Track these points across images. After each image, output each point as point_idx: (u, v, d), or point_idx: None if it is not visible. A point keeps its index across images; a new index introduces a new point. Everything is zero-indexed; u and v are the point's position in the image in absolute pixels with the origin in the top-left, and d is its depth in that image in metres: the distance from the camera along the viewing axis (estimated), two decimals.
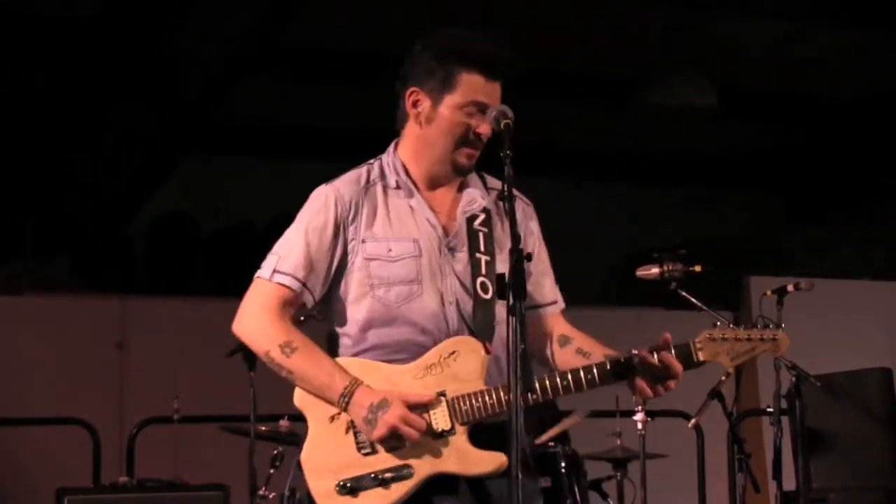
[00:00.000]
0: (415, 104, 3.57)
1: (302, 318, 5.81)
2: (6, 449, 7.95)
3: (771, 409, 5.75)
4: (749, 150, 12.19)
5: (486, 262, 3.49)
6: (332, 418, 3.44)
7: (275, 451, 6.00)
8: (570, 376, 3.41)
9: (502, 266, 3.39)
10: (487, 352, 3.40)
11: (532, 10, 8.78)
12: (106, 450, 7.54)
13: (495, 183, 3.63)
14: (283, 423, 5.96)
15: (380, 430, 3.35)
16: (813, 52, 10.12)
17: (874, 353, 8.36)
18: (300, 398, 3.49)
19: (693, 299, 5.03)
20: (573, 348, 3.61)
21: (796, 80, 10.64)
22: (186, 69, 8.83)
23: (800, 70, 10.41)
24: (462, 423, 3.38)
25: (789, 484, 5.99)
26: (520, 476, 3.07)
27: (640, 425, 5.92)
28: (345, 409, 3.41)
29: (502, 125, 3.38)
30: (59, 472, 7.30)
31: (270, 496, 5.88)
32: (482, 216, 3.55)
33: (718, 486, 7.78)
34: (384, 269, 3.47)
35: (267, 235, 12.21)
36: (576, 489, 5.71)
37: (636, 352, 3.39)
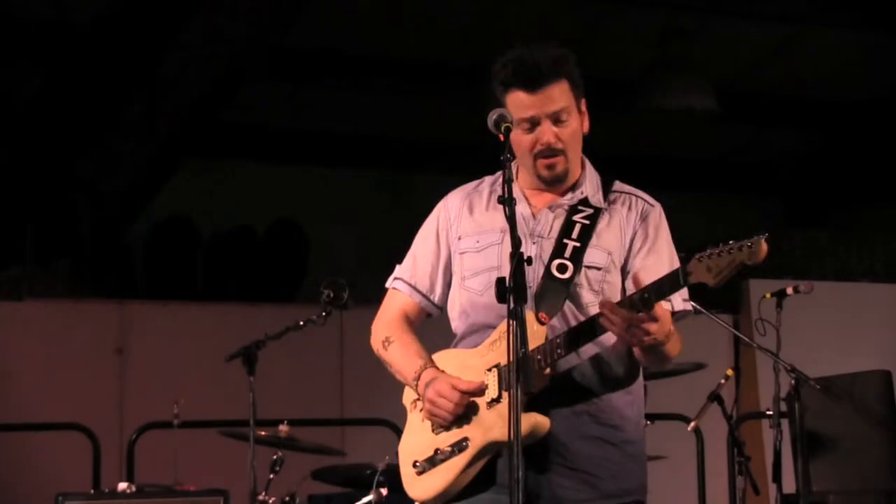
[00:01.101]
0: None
1: (301, 323, 5.87)
2: (6, 454, 7.95)
3: (770, 412, 5.74)
4: (748, 152, 12.20)
5: (574, 247, 3.57)
6: (415, 403, 3.67)
7: (274, 456, 6.00)
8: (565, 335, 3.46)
9: (593, 255, 3.54)
10: (541, 322, 3.46)
11: (530, 13, 8.79)
12: (106, 455, 7.54)
13: (622, 187, 3.76)
14: (283, 427, 5.96)
15: (425, 406, 3.56)
16: (812, 54, 10.13)
17: (873, 356, 8.37)
18: (404, 394, 3.74)
19: (692, 302, 5.02)
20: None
21: (795, 82, 10.65)
22: (186, 74, 8.83)
23: (799, 73, 10.42)
24: (506, 390, 3.42)
25: (789, 486, 5.99)
26: (520, 478, 3.09)
27: None
28: (418, 393, 3.60)
29: (502, 128, 3.43)
30: (58, 477, 7.30)
31: (270, 501, 5.88)
32: (588, 211, 3.64)
33: (718, 489, 7.77)
34: (472, 260, 3.67)
35: (266, 240, 12.26)
36: None
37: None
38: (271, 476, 5.99)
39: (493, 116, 3.46)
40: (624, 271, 3.63)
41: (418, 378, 3.60)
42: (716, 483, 7.82)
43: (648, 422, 5.95)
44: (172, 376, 8.11)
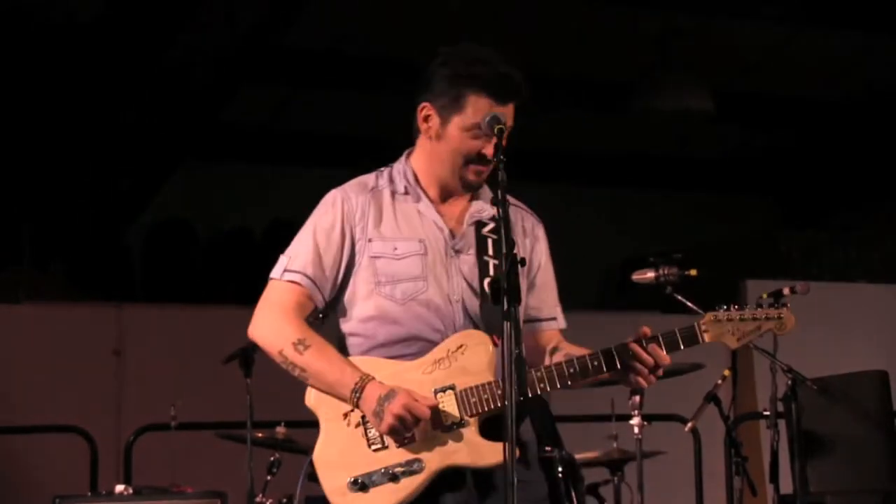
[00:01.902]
0: (426, 119, 3.63)
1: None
2: (3, 457, 7.94)
3: (767, 413, 5.74)
4: (745, 153, 12.20)
5: (494, 265, 3.52)
6: (345, 415, 3.49)
7: (272, 458, 6.00)
8: (576, 363, 3.47)
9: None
10: (495, 344, 3.43)
11: (528, 15, 8.80)
12: (103, 457, 7.53)
13: (509, 199, 3.66)
14: (280, 429, 5.96)
15: (386, 421, 3.39)
16: (808, 55, 10.13)
17: (871, 356, 8.36)
18: (312, 397, 3.54)
19: (689, 303, 5.03)
20: (563, 353, 3.64)
21: (792, 83, 10.65)
22: (184, 76, 8.83)
23: (796, 73, 10.43)
24: (471, 416, 3.42)
25: (786, 487, 5.98)
26: (515, 479, 3.09)
27: (636, 429, 5.91)
28: (356, 405, 3.45)
29: (495, 130, 3.44)
30: (56, 480, 7.29)
31: (267, 503, 5.88)
32: (491, 224, 3.60)
33: (716, 490, 7.77)
34: (390, 266, 3.54)
35: (265, 242, 12.26)
36: (573, 493, 5.70)
37: (629, 340, 3.46)
38: (269, 478, 5.99)
39: (486, 118, 3.47)
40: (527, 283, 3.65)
41: (360, 391, 3.43)
42: (713, 484, 7.82)
43: (646, 422, 5.98)
44: (170, 378, 8.09)
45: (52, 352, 8.29)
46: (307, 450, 6.12)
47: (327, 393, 3.50)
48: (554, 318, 3.73)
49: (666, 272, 5.01)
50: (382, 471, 3.43)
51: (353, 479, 3.44)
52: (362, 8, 9.06)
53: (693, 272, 5.10)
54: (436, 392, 3.45)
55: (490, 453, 3.40)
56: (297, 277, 3.57)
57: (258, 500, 5.88)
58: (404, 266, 3.53)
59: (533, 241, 3.70)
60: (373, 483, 3.43)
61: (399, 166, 3.69)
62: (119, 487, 6.59)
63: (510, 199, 3.64)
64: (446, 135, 3.57)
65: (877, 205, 11.81)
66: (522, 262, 3.27)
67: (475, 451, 3.41)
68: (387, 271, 3.54)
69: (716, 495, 7.81)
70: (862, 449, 6.29)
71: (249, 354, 5.91)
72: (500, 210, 3.29)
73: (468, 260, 3.56)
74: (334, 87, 10.14)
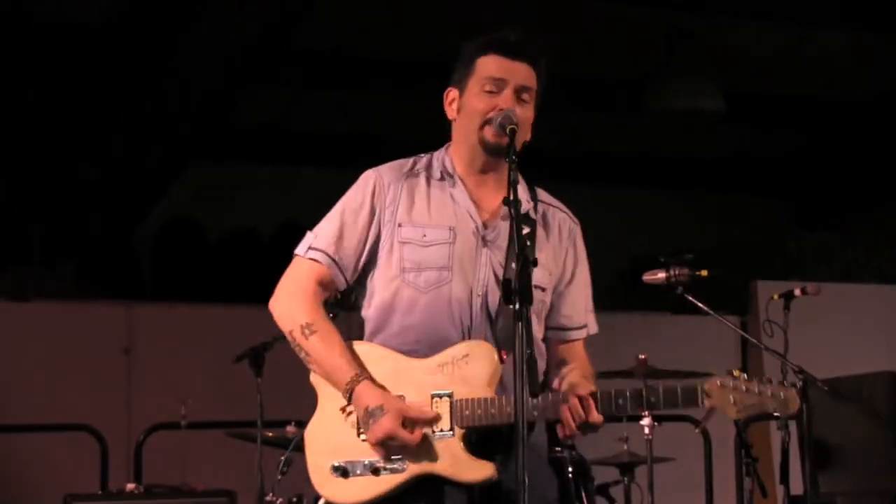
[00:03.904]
0: (451, 102, 3.61)
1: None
2: (13, 456, 7.95)
3: (778, 414, 5.72)
4: (756, 153, 12.18)
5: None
6: (344, 408, 3.48)
7: (282, 457, 5.99)
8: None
9: (538, 274, 3.40)
10: (501, 360, 3.39)
11: (535, 14, 8.78)
12: (113, 456, 7.55)
13: (545, 197, 3.68)
14: (290, 428, 5.95)
15: (371, 437, 3.39)
16: (819, 54, 10.11)
17: (881, 357, 8.35)
18: (315, 374, 3.54)
19: (699, 304, 5.03)
20: (559, 376, 3.58)
21: (803, 83, 10.63)
22: (194, 76, 8.84)
23: (806, 73, 10.40)
24: (461, 427, 3.39)
25: (797, 488, 5.97)
26: (527, 479, 3.08)
27: (647, 430, 5.91)
28: (348, 401, 3.44)
29: (507, 130, 3.41)
30: (66, 478, 7.30)
31: (277, 502, 5.88)
32: (526, 230, 3.49)
33: (726, 491, 7.76)
34: (416, 253, 3.50)
35: (273, 242, 12.24)
36: (583, 494, 5.70)
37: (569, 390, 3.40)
38: (279, 477, 5.97)
39: (497, 118, 3.45)
40: (554, 293, 3.61)
41: (351, 390, 3.41)
42: (723, 485, 7.82)
43: (656, 423, 5.97)
44: (180, 377, 8.10)
45: (62, 351, 8.31)
46: None
47: (326, 380, 3.50)
48: (584, 326, 3.68)
49: (677, 273, 5.00)
50: (366, 462, 3.42)
51: (335, 464, 3.44)
52: (369, 9, 9.05)
53: (704, 273, 5.09)
54: (433, 396, 3.42)
55: (468, 469, 3.37)
56: (318, 256, 3.55)
57: (268, 499, 5.88)
58: (431, 254, 3.49)
59: (568, 245, 3.63)
60: (353, 472, 3.43)
61: (439, 153, 3.66)
62: (129, 486, 6.62)
63: (547, 197, 3.67)
64: (465, 104, 3.55)
65: (888, 205, 11.78)
66: (535, 262, 3.24)
67: (455, 463, 3.38)
68: (413, 258, 3.49)
69: (726, 497, 7.80)
70: (872, 450, 6.29)
71: (260, 354, 5.92)
72: (512, 210, 3.26)
73: (500, 254, 3.50)
74: (343, 88, 10.13)
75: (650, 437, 5.91)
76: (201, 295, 10.73)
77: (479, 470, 3.36)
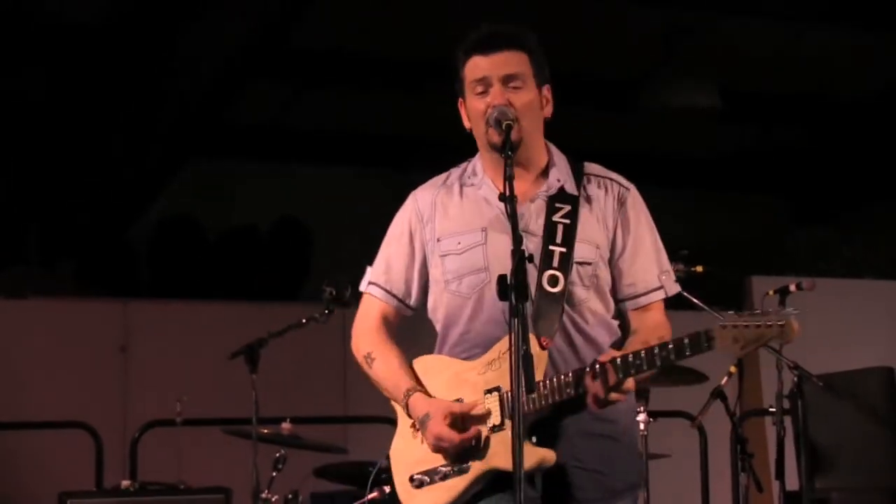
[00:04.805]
0: (463, 113, 3.65)
1: (304, 321, 5.87)
2: (9, 453, 7.95)
3: (773, 409, 5.73)
4: (752, 150, 12.19)
5: (561, 253, 3.51)
6: (411, 422, 3.62)
7: (277, 454, 6.00)
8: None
9: (581, 250, 3.49)
10: (543, 347, 3.41)
11: (532, 12, 8.78)
12: (109, 453, 7.54)
13: (594, 169, 3.70)
14: (286, 425, 5.95)
15: (427, 443, 3.52)
16: (816, 52, 10.12)
17: (877, 353, 8.35)
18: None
19: (694, 300, 5.03)
20: (632, 344, 3.55)
21: (799, 80, 10.64)
22: (193, 75, 8.84)
23: (803, 71, 10.41)
24: (511, 419, 3.41)
25: (792, 483, 5.98)
26: (521, 475, 3.10)
27: (642, 425, 5.90)
28: (407, 415, 3.59)
29: (503, 126, 3.43)
30: (61, 475, 7.29)
31: (273, 499, 5.88)
32: (566, 206, 3.56)
33: (721, 486, 7.76)
34: (454, 262, 3.58)
35: (271, 239, 12.25)
36: None
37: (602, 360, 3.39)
38: (274, 474, 5.98)
39: (493, 115, 3.47)
40: (612, 266, 3.60)
41: (406, 403, 3.57)
42: (719, 480, 7.82)
43: (651, 419, 5.97)
44: (176, 374, 8.11)
45: (58, 348, 8.31)
46: (312, 446, 6.17)
47: (393, 400, 3.66)
48: (659, 287, 3.64)
49: (672, 269, 5.00)
50: (436, 470, 3.52)
51: (412, 476, 3.56)
52: (368, 8, 9.05)
53: (699, 269, 5.10)
54: (486, 393, 3.48)
55: (526, 458, 3.32)
56: (372, 289, 3.72)
57: (263, 496, 5.88)
58: (466, 259, 3.56)
59: (616, 213, 3.62)
60: (428, 481, 3.53)
61: (473, 160, 3.71)
62: (125, 483, 6.62)
63: (598, 170, 3.70)
64: (469, 111, 3.60)
65: (884, 201, 11.79)
66: (530, 258, 3.27)
67: (510, 454, 3.32)
68: (452, 268, 3.58)
69: (721, 492, 7.80)
70: (868, 446, 6.29)
71: (255, 350, 5.92)
72: (510, 207, 3.28)
73: (534, 240, 3.51)
74: (342, 87, 10.13)
75: (645, 432, 5.91)
76: (198, 292, 10.74)
77: (531, 456, 3.35)
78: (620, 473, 3.55)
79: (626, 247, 3.62)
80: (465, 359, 3.56)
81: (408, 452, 3.61)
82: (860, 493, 6.31)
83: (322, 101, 10.44)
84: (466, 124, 3.64)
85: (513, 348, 3.14)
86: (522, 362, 3.13)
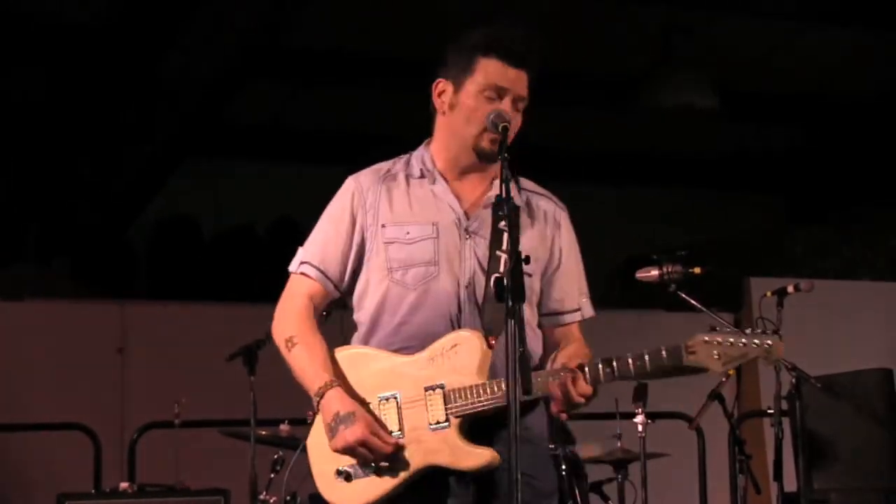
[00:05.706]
0: (440, 94, 3.60)
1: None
2: (7, 454, 7.95)
3: (771, 411, 5.73)
4: (750, 150, 12.18)
5: (506, 261, 3.43)
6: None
7: (275, 456, 6.00)
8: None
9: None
10: (489, 346, 3.40)
11: (531, 12, 8.79)
12: (107, 455, 7.54)
13: (528, 185, 3.68)
14: (284, 427, 5.96)
15: (336, 443, 3.41)
16: (814, 52, 10.12)
17: (875, 354, 8.35)
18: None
19: (692, 301, 5.03)
20: (560, 360, 3.56)
21: (797, 80, 10.64)
22: (188, 73, 8.83)
23: (801, 70, 10.41)
24: (456, 417, 3.40)
25: (790, 485, 5.99)
26: (519, 475, 3.08)
27: (640, 427, 5.91)
28: (316, 410, 3.47)
29: (500, 128, 3.41)
30: (59, 477, 7.29)
31: (271, 500, 5.88)
32: (510, 218, 3.47)
33: (720, 488, 7.77)
34: (402, 251, 3.52)
35: (268, 239, 12.21)
36: (576, 491, 5.70)
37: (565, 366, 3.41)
38: (272, 475, 5.99)
39: (490, 115, 3.45)
40: (543, 280, 3.61)
41: (320, 397, 3.44)
42: (717, 482, 7.82)
43: (649, 420, 5.98)
44: (173, 376, 8.09)
45: (55, 349, 8.29)
46: None
47: (305, 389, 3.53)
48: (577, 309, 3.67)
49: (670, 270, 5.00)
50: (366, 463, 3.43)
51: (339, 469, 3.46)
52: (368, 8, 9.05)
53: (697, 270, 5.09)
54: (425, 389, 3.43)
55: (468, 456, 3.38)
56: (306, 269, 3.60)
57: (262, 497, 5.88)
58: (416, 250, 3.50)
59: (554, 230, 3.64)
60: (356, 475, 3.45)
61: (417, 152, 3.66)
62: (123, 485, 6.62)
63: (532, 186, 3.67)
64: (459, 102, 3.54)
65: (882, 202, 11.79)
66: (527, 259, 3.24)
67: (454, 452, 3.39)
68: (398, 256, 3.51)
69: (719, 493, 7.81)
70: (866, 447, 6.29)
71: (253, 352, 5.92)
72: (505, 207, 3.27)
73: (483, 244, 3.50)
74: (341, 86, 10.13)
75: (643, 434, 5.92)
76: (196, 293, 10.73)
77: (479, 456, 3.37)
78: (544, 478, 3.56)
79: (561, 262, 3.63)
80: (396, 350, 3.49)
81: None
82: (858, 493, 6.31)
83: (322, 101, 10.43)
84: (440, 107, 3.58)
85: (510, 349, 3.12)
86: (519, 363, 3.12)
